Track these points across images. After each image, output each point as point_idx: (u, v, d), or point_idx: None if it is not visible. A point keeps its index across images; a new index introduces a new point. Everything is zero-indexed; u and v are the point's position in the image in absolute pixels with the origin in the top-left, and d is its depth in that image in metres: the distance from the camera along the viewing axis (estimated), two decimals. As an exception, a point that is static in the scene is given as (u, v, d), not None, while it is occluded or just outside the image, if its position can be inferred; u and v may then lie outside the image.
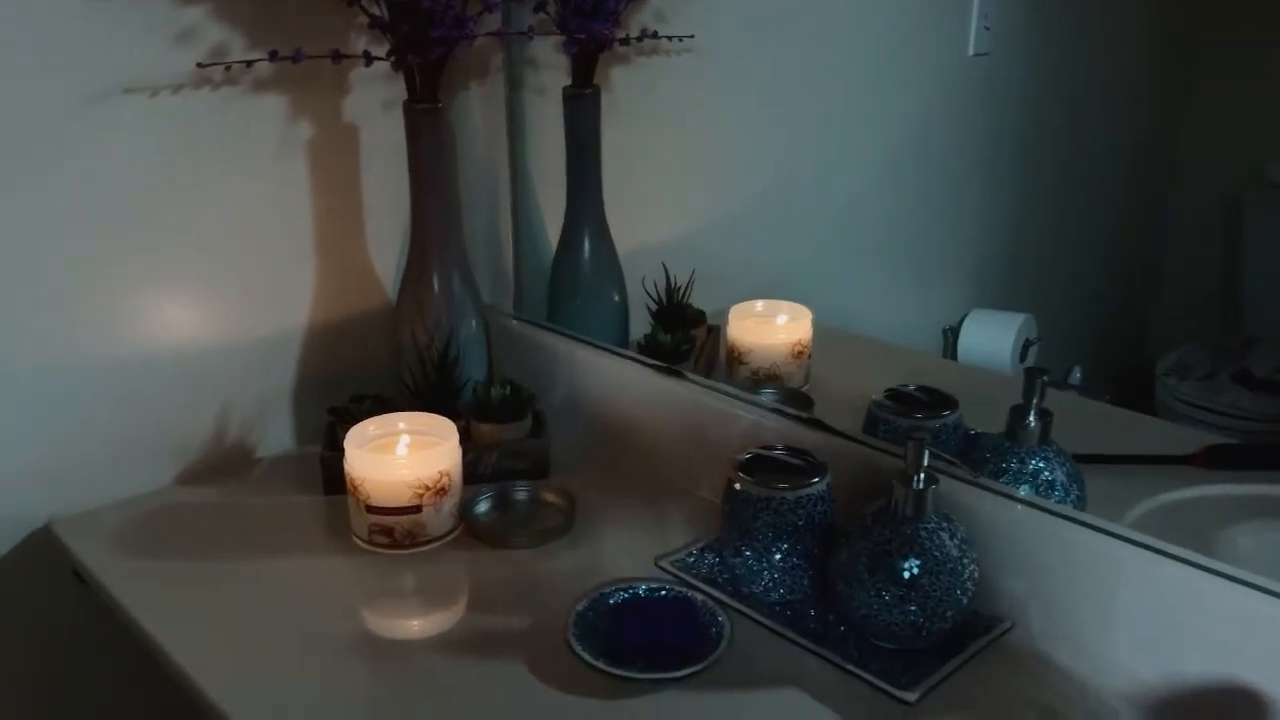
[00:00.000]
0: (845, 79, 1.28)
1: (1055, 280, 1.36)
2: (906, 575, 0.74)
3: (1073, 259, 1.36)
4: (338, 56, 1.01)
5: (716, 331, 1.25)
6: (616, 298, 1.26)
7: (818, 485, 0.83)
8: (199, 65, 0.96)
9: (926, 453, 0.75)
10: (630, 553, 0.93)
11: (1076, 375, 1.35)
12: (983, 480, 0.84)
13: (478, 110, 1.21)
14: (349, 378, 1.16)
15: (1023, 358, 1.28)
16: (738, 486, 0.84)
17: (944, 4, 1.31)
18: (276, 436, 1.13)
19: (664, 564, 0.89)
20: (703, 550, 0.91)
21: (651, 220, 1.27)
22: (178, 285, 1.02)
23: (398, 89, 1.10)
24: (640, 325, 1.22)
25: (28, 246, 0.93)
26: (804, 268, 1.28)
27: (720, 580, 0.86)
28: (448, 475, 0.94)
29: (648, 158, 1.28)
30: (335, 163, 1.10)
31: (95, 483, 1.01)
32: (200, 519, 1.00)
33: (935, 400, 0.97)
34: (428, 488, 0.92)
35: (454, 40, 1.01)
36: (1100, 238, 1.36)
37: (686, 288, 1.25)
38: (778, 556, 0.82)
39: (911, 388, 0.99)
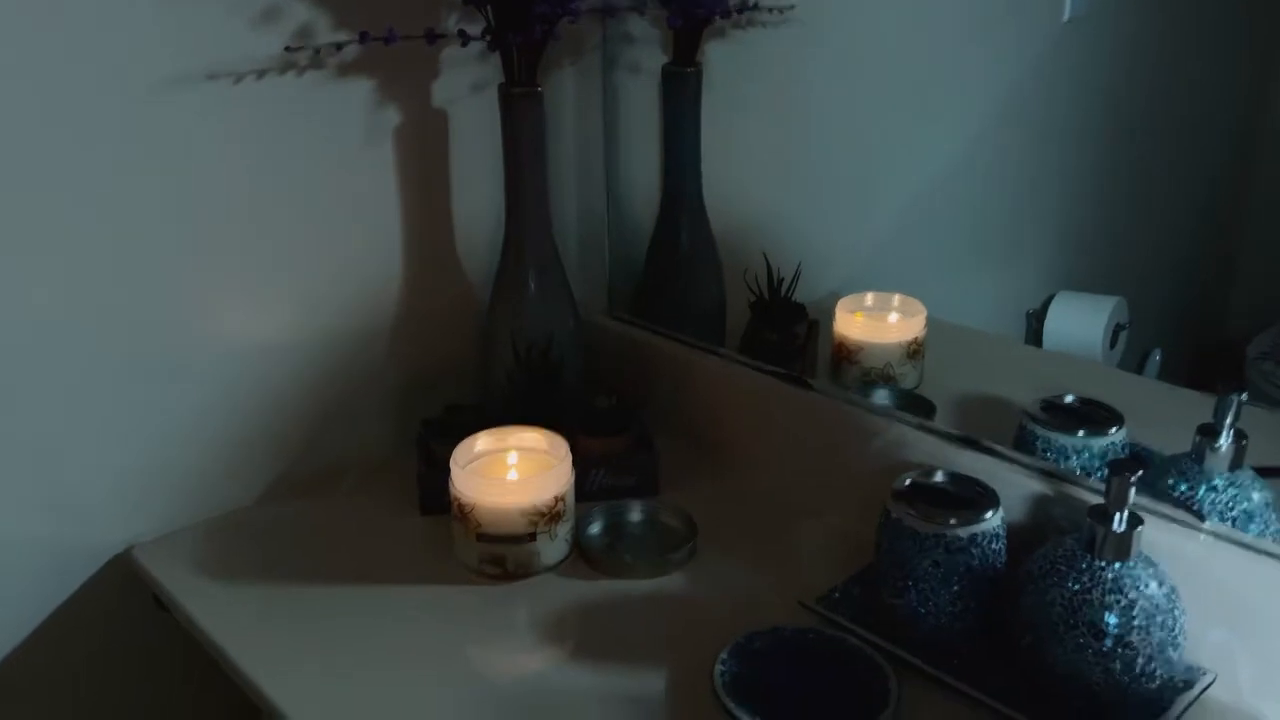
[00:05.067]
0: (938, 48, 1.18)
1: (1137, 259, 1.27)
2: (1113, 628, 0.65)
3: (1156, 236, 1.28)
4: (432, 36, 0.92)
5: (816, 326, 1.16)
6: (715, 291, 1.18)
7: (991, 520, 0.74)
8: (287, 49, 0.87)
9: (1133, 489, 0.66)
10: (761, 586, 0.85)
11: (1156, 358, 1.27)
12: (1196, 522, 0.74)
13: (571, 91, 1.11)
14: (437, 380, 1.08)
15: (1113, 343, 1.20)
16: (899, 519, 0.75)
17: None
18: (363, 445, 1.05)
19: (810, 604, 0.81)
20: (849, 586, 0.82)
21: (741, 203, 1.18)
22: (257, 282, 0.94)
23: (488, 70, 1.01)
24: (734, 318, 1.14)
25: (103, 244, 0.85)
26: (888, 251, 1.20)
27: (875, 622, 0.78)
28: (562, 500, 0.86)
29: (739, 137, 1.18)
30: (423, 150, 1.01)
31: (177, 502, 0.94)
32: (290, 541, 0.92)
33: (1097, 414, 0.88)
34: (542, 514, 0.84)
35: (557, 17, 0.91)
36: (1182, 212, 1.27)
37: (793, 281, 1.15)
38: (945, 599, 0.74)
39: (1069, 399, 0.90)
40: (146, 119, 0.84)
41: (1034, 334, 1.23)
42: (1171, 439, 0.82)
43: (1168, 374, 1.13)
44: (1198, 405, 0.84)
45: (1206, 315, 1.29)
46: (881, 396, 1.04)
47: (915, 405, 1.03)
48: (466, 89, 1.02)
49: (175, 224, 0.88)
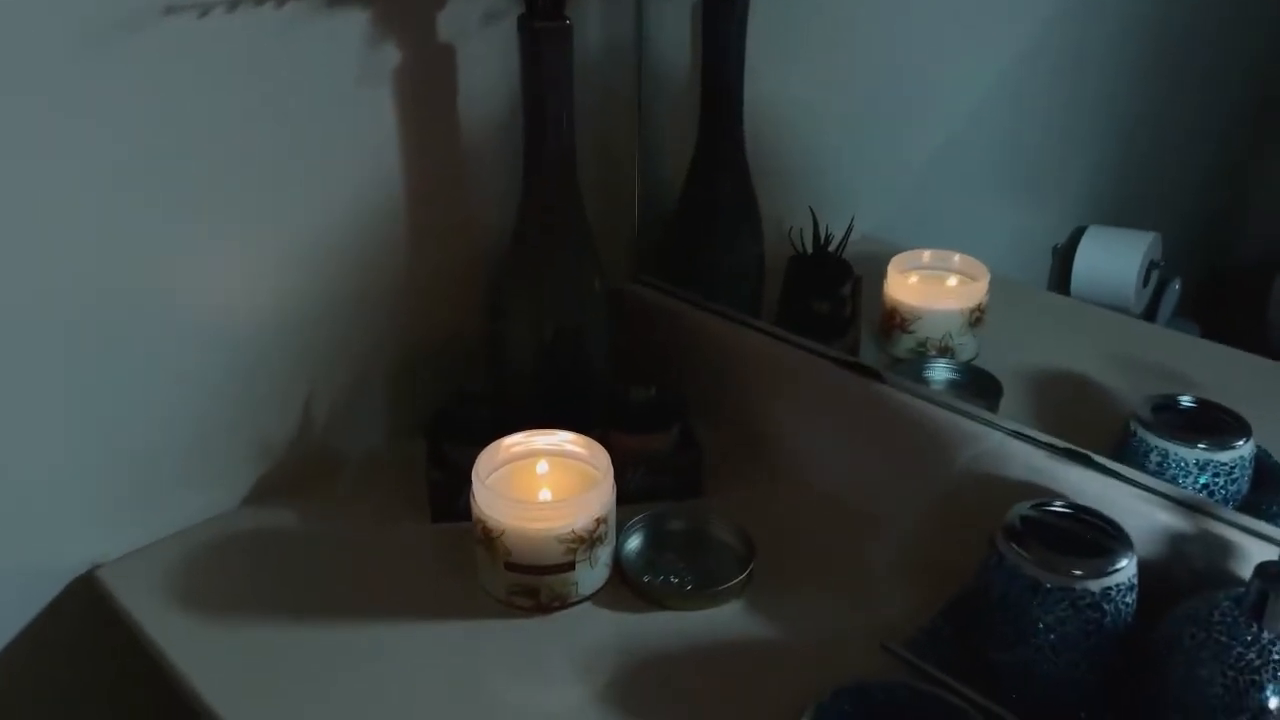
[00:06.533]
0: None
1: (1164, 192, 1.17)
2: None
3: (1179, 165, 1.17)
4: (441, -41, 0.75)
5: (860, 284, 1.03)
6: (754, 246, 1.05)
7: (1126, 569, 0.63)
8: (265, -24, 0.71)
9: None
10: (829, 618, 0.74)
11: (1176, 288, 1.19)
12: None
13: (597, 18, 0.95)
14: (441, 356, 0.94)
15: (1145, 281, 1.10)
16: (1015, 565, 0.63)
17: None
18: (358, 433, 0.91)
19: (895, 647, 0.70)
20: (937, 625, 0.71)
21: (778, 143, 1.04)
22: (231, 246, 0.79)
23: (502, -5, 0.85)
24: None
25: (45, 209, 0.70)
26: (919, 187, 1.08)
27: (976, 678, 0.67)
28: (605, 522, 0.74)
29: (781, 68, 1.03)
30: (426, 92, 0.85)
31: (147, 511, 0.81)
32: (279, 557, 0.80)
33: (1217, 420, 0.76)
34: (582, 539, 0.72)
35: (593, -65, 0.75)
36: (1207, 139, 1.16)
37: (844, 238, 1.01)
38: (1066, 660, 0.63)
39: (1185, 400, 0.78)
40: (89, 69, 0.68)
41: (1059, 270, 1.13)
42: (1267, 424, 0.72)
43: (1182, 306, 1.04)
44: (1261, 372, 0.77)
45: (1226, 247, 1.20)
46: (941, 370, 0.93)
47: (980, 382, 0.92)
48: (477, 20, 0.85)
49: (131, 183, 0.72)
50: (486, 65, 0.87)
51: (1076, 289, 1.08)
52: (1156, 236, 1.07)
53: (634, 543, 0.80)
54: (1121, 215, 1.10)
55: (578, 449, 0.78)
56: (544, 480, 0.77)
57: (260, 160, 0.78)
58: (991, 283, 0.94)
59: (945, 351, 0.94)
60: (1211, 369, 0.84)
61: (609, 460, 0.75)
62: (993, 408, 0.86)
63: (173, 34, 0.70)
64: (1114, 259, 1.10)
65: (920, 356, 0.93)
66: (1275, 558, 0.57)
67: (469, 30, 0.85)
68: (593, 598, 0.75)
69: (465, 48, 0.86)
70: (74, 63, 0.67)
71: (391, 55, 0.82)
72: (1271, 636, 0.56)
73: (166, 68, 0.71)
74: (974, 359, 0.95)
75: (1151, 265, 1.08)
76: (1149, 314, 1.03)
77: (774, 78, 1.00)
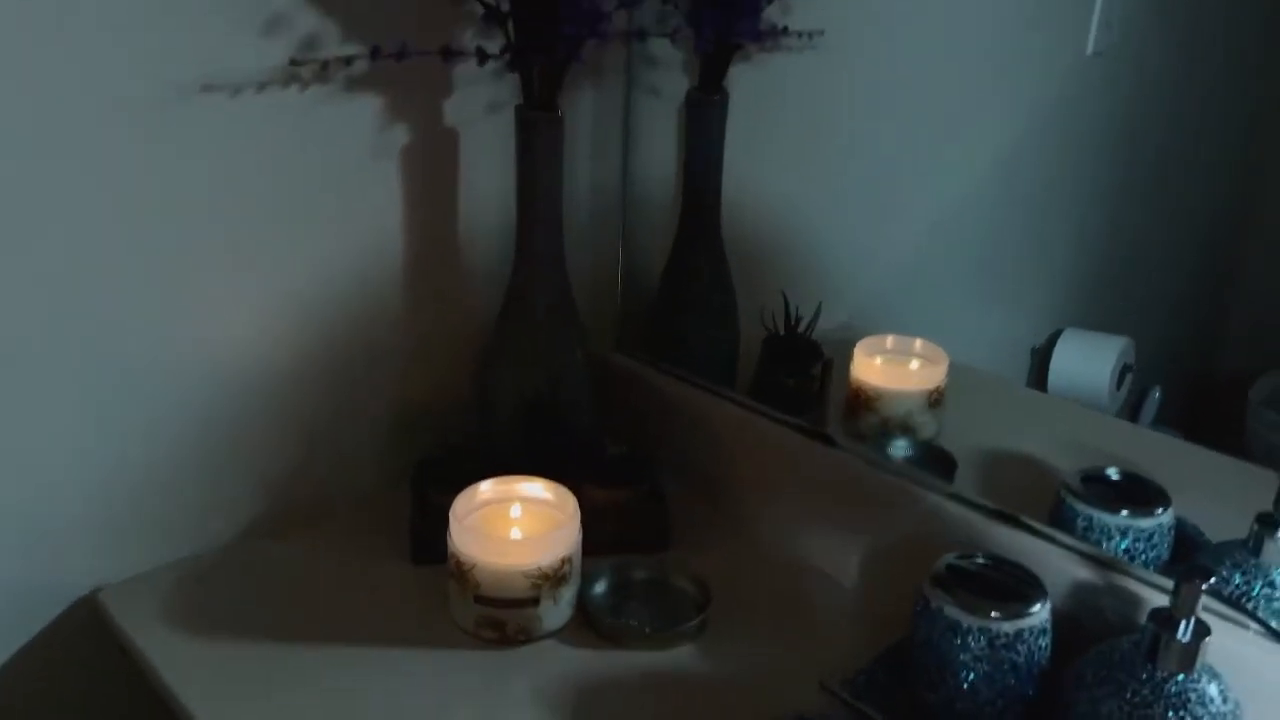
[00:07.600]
0: (961, 79, 1.12)
1: (1142, 297, 1.23)
2: (1173, 749, 0.60)
3: (1161, 275, 1.23)
4: (448, 54, 0.85)
5: (830, 365, 1.10)
6: (730, 326, 1.12)
7: (1040, 613, 0.68)
8: (293, 63, 0.80)
9: (1202, 597, 0.60)
10: (778, 661, 0.79)
11: (1156, 396, 1.23)
12: (1256, 625, 0.69)
13: (589, 114, 1.05)
14: (431, 411, 1.02)
15: (1119, 384, 1.15)
16: (938, 607, 0.69)
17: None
18: (350, 479, 0.98)
19: (833, 687, 0.75)
20: (875, 669, 0.76)
21: (757, 234, 1.12)
22: (242, 300, 0.87)
23: (504, 89, 0.95)
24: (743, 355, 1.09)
25: (84, 262, 0.78)
26: (899, 282, 1.14)
27: (905, 715, 0.72)
28: (569, 562, 0.79)
29: (759, 164, 1.12)
30: (431, 171, 0.95)
31: (149, 541, 0.87)
32: (270, 589, 0.86)
33: (1141, 491, 0.82)
34: (547, 577, 0.78)
35: (584, 39, 0.85)
36: (1185, 247, 1.22)
37: (812, 320, 1.09)
38: (985, 696, 0.68)
39: (1112, 473, 0.84)
40: (130, 134, 0.77)
41: (1037, 370, 1.18)
42: (1202, 508, 0.78)
43: (1165, 414, 1.09)
44: (1230, 471, 0.81)
45: (1206, 355, 1.24)
46: (900, 447, 0.99)
47: (935, 459, 0.98)
48: (480, 109, 0.95)
49: (154, 231, 0.81)
50: (487, 149, 0.96)
51: (1053, 388, 1.15)
52: (1129, 341, 1.14)
53: (599, 587, 0.86)
54: (1101, 319, 1.17)
55: (548, 495, 0.84)
56: (515, 522, 0.83)
57: (276, 221, 0.86)
58: (966, 374, 1.00)
59: (906, 430, 1.00)
60: (1168, 462, 0.89)
61: (576, 506, 0.82)
62: (946, 480, 0.93)
63: (207, 108, 0.79)
64: (1087, 361, 1.16)
65: (882, 433, 0.99)
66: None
67: (473, 117, 0.95)
68: (556, 635, 0.81)
69: (468, 132, 0.95)
70: (115, 130, 0.76)
71: (401, 136, 0.91)
72: (1164, 674, 0.62)
73: (199, 136, 0.80)
74: (934, 438, 1.01)
75: (1125, 368, 1.14)
76: (1129, 420, 1.09)
77: (752, 174, 1.09)
